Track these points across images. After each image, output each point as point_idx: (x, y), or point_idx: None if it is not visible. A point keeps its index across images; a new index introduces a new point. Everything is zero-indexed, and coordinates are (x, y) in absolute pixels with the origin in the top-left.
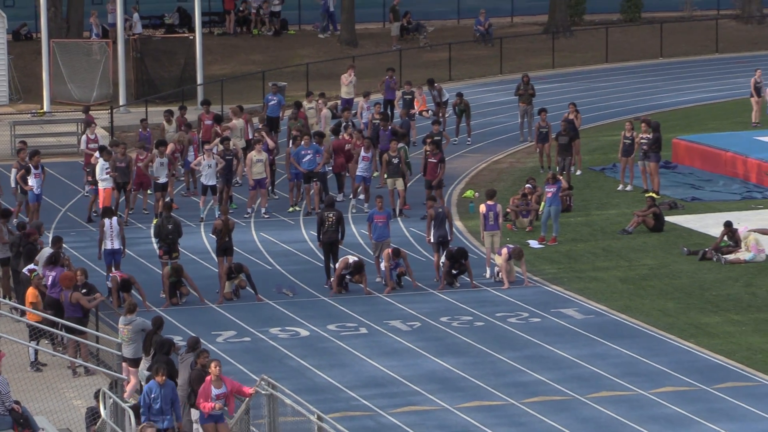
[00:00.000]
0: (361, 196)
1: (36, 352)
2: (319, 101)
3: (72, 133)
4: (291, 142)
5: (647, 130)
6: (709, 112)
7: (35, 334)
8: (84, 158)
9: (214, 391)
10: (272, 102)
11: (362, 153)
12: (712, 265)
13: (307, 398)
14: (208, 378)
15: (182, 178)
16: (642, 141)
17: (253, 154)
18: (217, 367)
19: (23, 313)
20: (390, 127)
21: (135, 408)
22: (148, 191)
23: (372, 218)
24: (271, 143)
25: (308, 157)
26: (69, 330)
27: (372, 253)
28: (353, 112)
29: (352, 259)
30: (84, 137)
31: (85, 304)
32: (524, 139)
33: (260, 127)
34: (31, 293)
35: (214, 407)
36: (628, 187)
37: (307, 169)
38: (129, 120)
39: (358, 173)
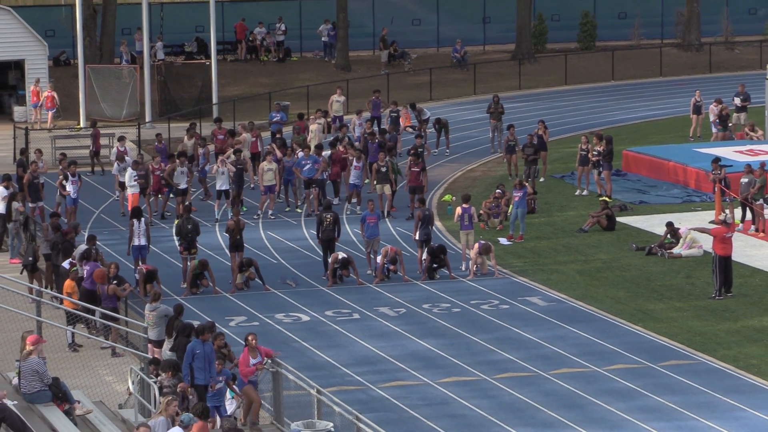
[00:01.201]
0: (354, 200)
1: (73, 334)
2: (312, 117)
3: (104, 146)
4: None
5: (599, 143)
6: (654, 128)
7: (72, 319)
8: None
9: (252, 361)
10: (275, 118)
11: (354, 163)
12: (657, 260)
13: (308, 374)
14: (246, 348)
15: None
16: (594, 153)
17: (264, 164)
18: (254, 340)
19: (62, 301)
20: (378, 140)
21: (173, 363)
22: (170, 195)
23: (364, 219)
24: (279, 154)
25: (308, 166)
26: (104, 317)
27: (364, 250)
28: (347, 126)
29: (341, 255)
30: (114, 149)
31: (120, 294)
32: (495, 150)
33: (278, 137)
34: (68, 284)
35: (256, 371)
36: (585, 192)
37: (307, 176)
38: (154, 134)
39: (350, 181)
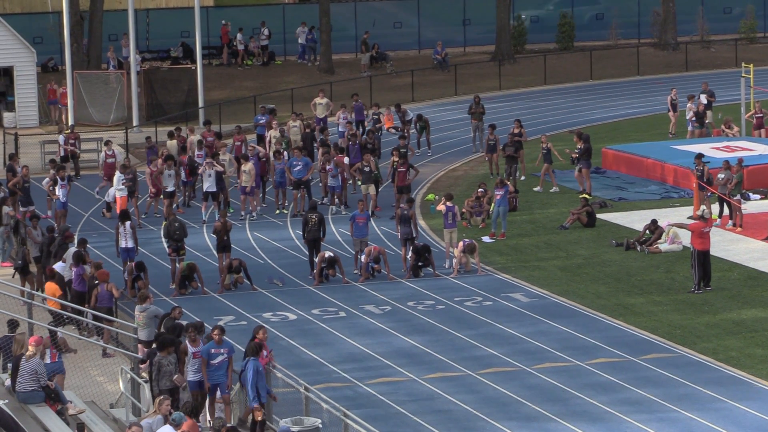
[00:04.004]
0: (337, 200)
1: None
2: (292, 117)
3: (93, 150)
4: (273, 155)
5: (579, 141)
6: (632, 126)
7: (58, 320)
8: (104, 169)
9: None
10: (261, 121)
11: (327, 166)
12: (637, 255)
13: (296, 372)
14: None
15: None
16: (576, 150)
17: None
18: (265, 334)
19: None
20: (358, 142)
21: (171, 340)
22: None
23: (354, 218)
24: (262, 151)
25: (298, 167)
26: (97, 318)
27: (353, 249)
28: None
29: (328, 254)
30: (103, 153)
31: (115, 293)
32: (476, 150)
33: (281, 140)
34: (50, 287)
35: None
36: (554, 189)
37: (297, 177)
38: (141, 138)
39: (328, 184)
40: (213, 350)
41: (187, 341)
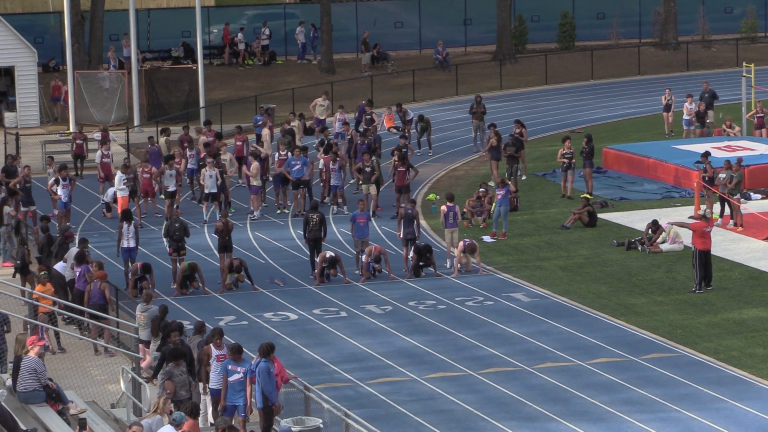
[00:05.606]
0: (340, 200)
1: (57, 335)
2: (290, 117)
3: (94, 150)
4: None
5: (570, 146)
6: (633, 125)
7: (53, 320)
8: (101, 170)
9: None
10: (260, 122)
11: (331, 165)
12: (638, 255)
13: (297, 372)
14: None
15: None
16: (565, 154)
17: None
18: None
19: (54, 303)
20: (366, 142)
21: (182, 351)
22: (161, 197)
23: (354, 219)
24: (263, 151)
25: (297, 167)
26: (93, 317)
27: (354, 249)
28: (329, 128)
29: (329, 254)
30: (99, 153)
31: (107, 293)
32: (477, 150)
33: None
34: (39, 290)
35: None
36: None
37: (296, 177)
38: (142, 138)
39: (331, 183)
40: (230, 366)
41: (212, 345)
